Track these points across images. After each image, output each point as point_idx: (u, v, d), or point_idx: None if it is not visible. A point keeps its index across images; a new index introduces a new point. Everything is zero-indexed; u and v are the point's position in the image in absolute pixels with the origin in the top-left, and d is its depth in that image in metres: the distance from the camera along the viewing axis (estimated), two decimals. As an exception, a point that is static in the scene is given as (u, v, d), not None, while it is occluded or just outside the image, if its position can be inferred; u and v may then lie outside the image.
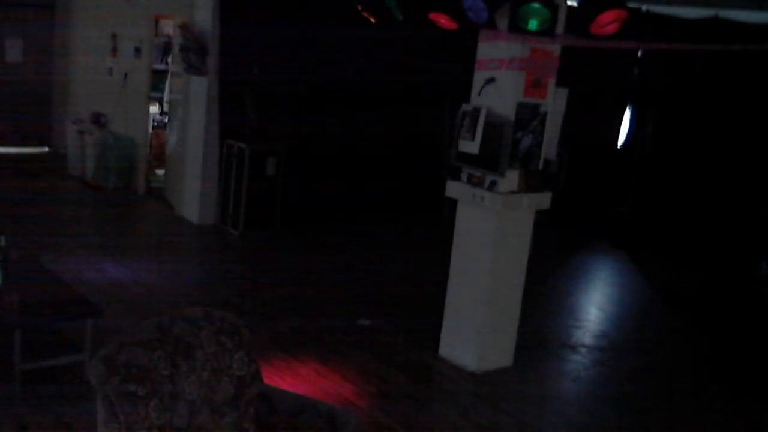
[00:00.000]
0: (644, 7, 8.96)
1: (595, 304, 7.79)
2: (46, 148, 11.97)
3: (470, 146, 5.29)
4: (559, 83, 5.38)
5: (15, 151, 11.52)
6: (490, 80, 5.26)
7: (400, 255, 8.43)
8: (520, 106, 5.20)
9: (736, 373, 6.24)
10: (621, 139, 10.17)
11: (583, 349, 6.28)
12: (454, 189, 5.59)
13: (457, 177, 5.56)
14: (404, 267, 8.02)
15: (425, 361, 5.71)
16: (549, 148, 5.44)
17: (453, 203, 5.75)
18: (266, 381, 3.45)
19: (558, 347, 6.27)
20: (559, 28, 4.92)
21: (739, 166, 9.03)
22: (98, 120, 10.48)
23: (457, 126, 5.43)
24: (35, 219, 8.22)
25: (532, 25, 4.71)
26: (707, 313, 7.69)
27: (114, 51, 10.49)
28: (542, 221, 6.69)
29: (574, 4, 5.01)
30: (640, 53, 9.56)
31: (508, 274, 5.52)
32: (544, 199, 5.53)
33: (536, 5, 4.65)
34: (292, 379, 5.10)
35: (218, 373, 3.16)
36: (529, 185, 5.41)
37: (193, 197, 8.82)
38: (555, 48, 5.24)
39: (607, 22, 4.60)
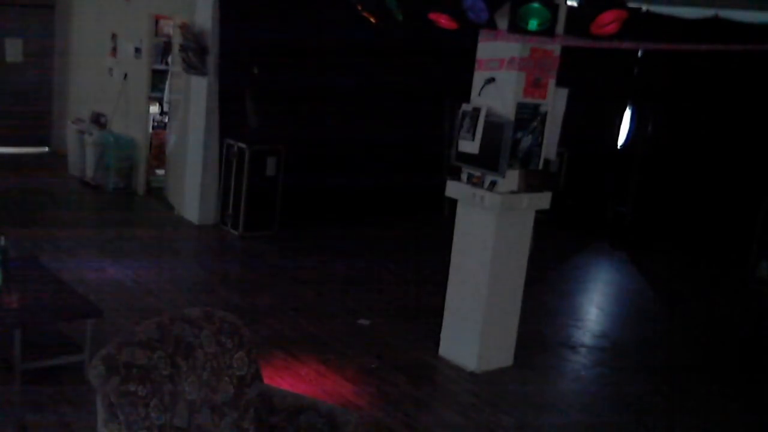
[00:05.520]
0: (644, 7, 8.98)
1: (595, 304, 7.79)
2: (46, 148, 11.97)
3: (470, 146, 5.29)
4: (559, 83, 5.38)
5: (15, 151, 11.51)
6: (490, 80, 5.26)
7: (400, 255, 8.43)
8: (520, 106, 5.20)
9: (735, 373, 6.24)
10: (621, 139, 10.16)
11: (583, 349, 6.28)
12: (454, 189, 5.59)
13: (457, 177, 5.56)
14: (404, 267, 8.03)
15: (425, 361, 5.71)
16: (549, 148, 5.43)
17: (453, 203, 5.75)
18: (266, 381, 3.45)
19: (558, 347, 6.27)
20: (559, 28, 4.92)
21: (739, 166, 9.03)
22: (98, 120, 10.48)
23: (457, 126, 5.43)
24: (35, 219, 8.22)
25: (532, 25, 4.71)
26: (707, 313, 7.69)
27: (114, 51, 10.49)
28: (542, 221, 6.70)
29: (574, 4, 5.01)
30: (640, 53, 9.56)
31: (508, 274, 5.52)
32: (544, 199, 5.53)
33: (536, 5, 4.65)
34: (292, 379, 5.10)
35: (218, 373, 3.16)
36: (529, 185, 5.41)
37: (193, 197, 8.82)
38: (555, 48, 5.24)
39: (607, 22, 4.60)
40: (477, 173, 5.40)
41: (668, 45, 7.36)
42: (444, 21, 5.04)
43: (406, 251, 8.56)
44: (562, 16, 4.91)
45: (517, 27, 4.77)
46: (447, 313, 5.74)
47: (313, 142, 8.83)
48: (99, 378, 2.76)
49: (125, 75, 10.15)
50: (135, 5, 9.88)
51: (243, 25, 8.27)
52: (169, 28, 9.87)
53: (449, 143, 8.78)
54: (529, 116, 5.25)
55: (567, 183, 9.91)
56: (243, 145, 8.30)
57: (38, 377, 4.64)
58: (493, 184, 5.32)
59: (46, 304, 4.74)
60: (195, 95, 8.68)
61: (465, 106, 5.38)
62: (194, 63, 8.42)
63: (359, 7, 5.57)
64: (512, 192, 5.34)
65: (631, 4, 4.93)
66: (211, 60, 8.36)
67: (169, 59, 9.75)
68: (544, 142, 5.38)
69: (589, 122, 9.43)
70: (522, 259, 5.59)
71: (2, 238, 4.84)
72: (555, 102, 5.37)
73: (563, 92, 5.41)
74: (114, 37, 10.44)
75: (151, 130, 10.10)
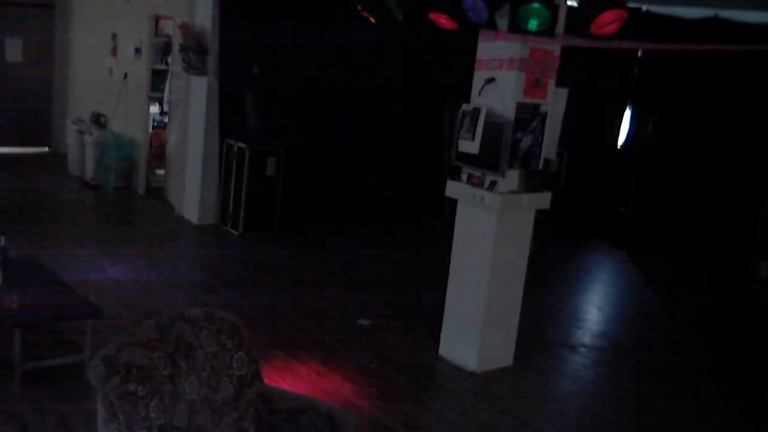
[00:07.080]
0: (644, 7, 8.97)
1: (595, 304, 7.79)
2: (46, 148, 11.97)
3: (470, 146, 5.30)
4: (559, 83, 5.38)
5: (15, 151, 11.52)
6: (490, 80, 5.26)
7: (400, 255, 8.43)
8: (520, 106, 5.20)
9: (735, 372, 6.24)
10: (621, 139, 10.17)
11: (583, 349, 6.28)
12: (454, 189, 5.59)
13: (457, 177, 5.56)
14: (404, 267, 8.03)
15: (425, 361, 5.71)
16: (549, 148, 5.44)
17: (453, 203, 5.75)
18: (266, 381, 3.45)
19: (558, 347, 6.27)
20: (559, 28, 4.92)
21: (739, 166, 9.04)
22: (98, 120, 10.48)
23: (457, 126, 5.43)
24: (35, 219, 8.23)
25: (532, 25, 4.70)
26: (707, 314, 7.69)
27: (114, 51, 10.49)
28: (542, 221, 6.70)
29: (574, 4, 5.01)
30: (640, 53, 9.57)
31: (508, 274, 5.52)
32: (544, 199, 5.53)
33: (536, 5, 4.65)
34: (292, 379, 5.10)
35: (218, 373, 3.16)
36: (529, 185, 5.41)
37: (193, 197, 8.82)
38: (555, 48, 5.24)
39: (607, 22, 4.60)
40: (477, 173, 5.40)
41: (668, 45, 7.36)
42: (444, 21, 5.03)
43: (406, 251, 8.56)
44: (562, 16, 4.90)
45: (517, 27, 4.77)
46: (447, 313, 5.74)
47: (313, 142, 8.83)
48: (99, 378, 2.76)
49: (125, 75, 10.15)
50: (135, 5, 9.89)
51: (243, 25, 8.27)
52: (169, 28, 9.87)
53: (449, 143, 8.79)
54: (529, 116, 5.25)
55: (567, 183, 9.91)
56: (243, 145, 8.30)
57: (38, 377, 4.64)
58: (493, 184, 5.32)
59: (46, 304, 4.73)
60: (195, 95, 8.68)
61: (465, 106, 5.39)
62: (194, 63, 8.42)
63: (359, 7, 5.57)
64: (512, 192, 5.34)
65: (631, 4, 4.92)
66: (211, 60, 8.36)
67: (169, 59, 9.75)
68: (544, 142, 5.38)
69: (589, 122, 9.44)
70: (522, 259, 5.59)
71: (2, 238, 4.84)
72: (555, 102, 5.37)
73: (563, 92, 5.41)
74: (114, 37, 10.45)
75: (151, 130, 10.11)
